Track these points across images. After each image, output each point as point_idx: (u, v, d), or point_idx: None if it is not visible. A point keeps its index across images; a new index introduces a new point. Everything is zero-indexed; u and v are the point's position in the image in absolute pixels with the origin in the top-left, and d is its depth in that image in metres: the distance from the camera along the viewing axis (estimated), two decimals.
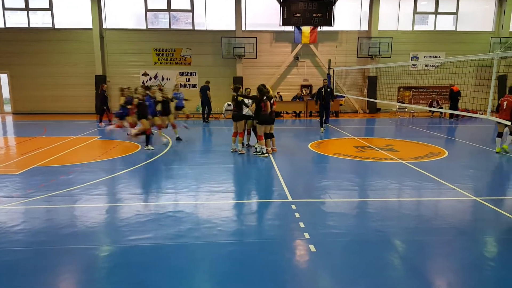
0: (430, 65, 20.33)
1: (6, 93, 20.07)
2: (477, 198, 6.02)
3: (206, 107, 16.88)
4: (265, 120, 9.02)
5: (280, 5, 19.19)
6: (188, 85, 20.20)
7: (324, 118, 13.41)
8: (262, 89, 8.95)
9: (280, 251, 4.25)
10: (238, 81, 19.23)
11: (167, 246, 4.37)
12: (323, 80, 13.64)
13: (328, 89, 13.01)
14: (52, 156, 9.24)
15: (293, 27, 19.61)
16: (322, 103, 13.03)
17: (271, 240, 4.54)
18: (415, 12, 20.34)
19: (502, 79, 18.97)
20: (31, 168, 8.00)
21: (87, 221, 5.12)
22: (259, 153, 9.24)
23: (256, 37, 19.33)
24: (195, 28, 19.82)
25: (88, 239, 4.57)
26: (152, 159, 8.96)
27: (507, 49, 19.50)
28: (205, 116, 16.91)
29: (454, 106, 16.94)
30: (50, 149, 10.11)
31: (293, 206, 5.64)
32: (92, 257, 4.16)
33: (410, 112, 19.51)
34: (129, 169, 7.93)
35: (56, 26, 19.36)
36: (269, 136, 9.54)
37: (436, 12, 20.41)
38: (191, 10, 19.62)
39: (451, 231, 4.81)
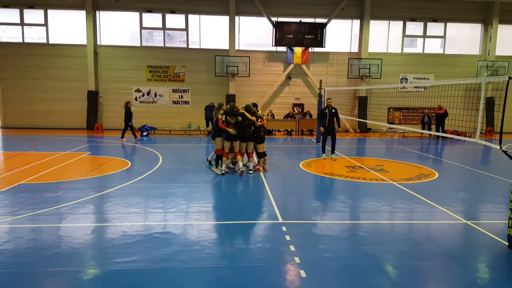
0: (419, 87, 20.72)
1: None
2: (468, 222, 6.01)
3: (210, 123, 17.16)
4: (238, 137, 9.11)
5: (273, 26, 19.55)
6: (180, 102, 20.23)
7: (326, 143, 11.71)
8: (248, 107, 9.30)
9: (270, 276, 4.15)
10: (231, 98, 19.31)
11: (153, 270, 4.24)
12: (327, 99, 11.73)
13: (333, 110, 11.30)
14: (39, 172, 9.07)
15: (286, 47, 19.93)
16: (326, 126, 11.34)
17: (261, 264, 4.45)
18: (404, 35, 20.88)
19: (489, 102, 19.37)
20: (17, 185, 7.82)
21: (72, 242, 4.97)
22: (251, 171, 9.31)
23: (249, 57, 19.57)
24: (189, 47, 20.02)
25: (71, 261, 4.42)
26: (142, 176, 8.84)
27: (493, 72, 20.04)
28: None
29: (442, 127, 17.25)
30: (38, 165, 9.93)
31: (284, 228, 5.56)
32: (75, 280, 4.01)
33: (400, 132, 19.73)
34: (117, 187, 7.79)
35: (50, 42, 19.37)
36: (262, 155, 9.58)
37: (425, 36, 20.98)
38: (186, 29, 19.86)
39: (442, 255, 4.77)
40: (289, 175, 9.51)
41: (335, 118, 11.28)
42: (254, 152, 9.76)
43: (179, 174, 9.29)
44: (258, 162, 9.76)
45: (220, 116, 9.16)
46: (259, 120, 9.33)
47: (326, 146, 11.77)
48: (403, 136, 19.38)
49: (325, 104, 11.82)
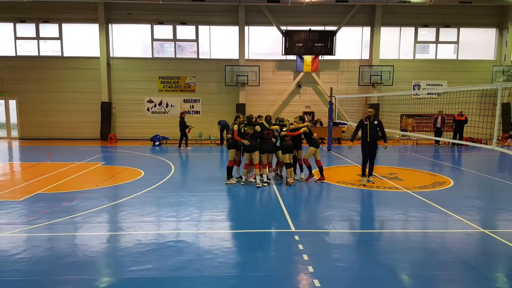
0: (433, 93, 20.48)
1: (13, 119, 20.37)
2: (485, 231, 5.89)
3: (226, 130, 17.45)
4: (256, 148, 8.86)
5: (283, 35, 19.67)
6: (191, 112, 20.42)
7: (367, 165, 9.33)
8: (267, 117, 9.28)
9: (284, 286, 4.14)
10: (241, 108, 19.43)
11: (167, 278, 4.27)
12: (368, 107, 9.34)
13: (375, 122, 8.99)
14: (56, 182, 9.24)
15: (295, 56, 20.01)
16: (366, 141, 9.01)
17: (274, 273, 4.43)
18: (416, 41, 20.73)
19: (505, 108, 19.05)
20: (34, 195, 7.99)
21: (88, 250, 5.05)
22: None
23: (258, 66, 19.70)
24: (200, 57, 20.27)
25: (87, 270, 4.49)
26: (155, 186, 8.93)
27: (509, 77, 19.68)
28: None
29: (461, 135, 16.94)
30: (54, 175, 10.13)
31: (296, 237, 5.54)
32: None
33: (414, 139, 19.49)
34: (131, 196, 7.89)
35: (65, 55, 19.86)
36: (287, 166, 9.18)
37: (437, 42, 20.79)
38: (196, 40, 20.13)
39: (459, 265, 4.68)
40: (300, 183, 9.46)
41: (379, 132, 9.06)
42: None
43: (191, 183, 9.35)
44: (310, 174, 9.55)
45: (235, 128, 8.98)
46: (284, 129, 9.01)
47: (365, 169, 9.41)
48: (417, 143, 19.14)
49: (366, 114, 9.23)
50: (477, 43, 21.08)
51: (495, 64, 20.49)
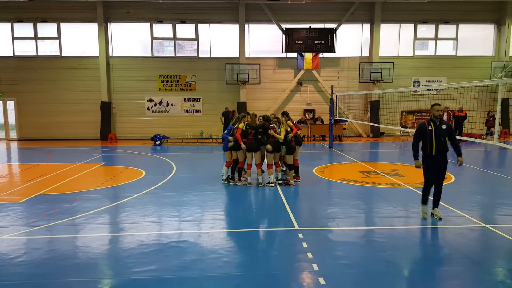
0: (432, 90, 20.45)
1: (12, 119, 20.31)
2: (487, 226, 5.88)
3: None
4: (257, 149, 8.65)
5: (283, 33, 19.62)
6: (192, 111, 20.39)
7: (433, 187, 6.31)
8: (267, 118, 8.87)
9: (289, 284, 4.12)
10: (242, 106, 19.40)
11: (171, 279, 4.25)
12: (433, 106, 6.12)
13: (444, 126, 6.12)
14: (56, 183, 9.21)
15: (296, 53, 19.97)
16: (431, 156, 6.17)
17: (279, 272, 4.41)
18: (416, 38, 20.69)
19: (504, 103, 19.03)
20: (34, 196, 7.95)
21: (90, 252, 5.02)
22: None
23: (259, 64, 19.66)
24: (200, 56, 20.21)
25: (90, 272, 4.46)
26: (156, 186, 8.90)
27: (507, 73, 19.66)
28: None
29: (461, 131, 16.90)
30: (54, 176, 10.09)
31: (300, 235, 5.52)
32: None
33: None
34: (132, 197, 7.86)
35: (63, 54, 19.80)
36: (291, 167, 8.94)
37: (436, 38, 20.75)
38: (196, 39, 20.07)
39: (463, 261, 4.66)
40: (303, 181, 9.43)
41: (447, 140, 6.18)
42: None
43: (193, 182, 9.32)
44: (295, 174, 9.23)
45: (241, 126, 8.58)
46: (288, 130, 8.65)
47: (428, 195, 6.35)
48: None
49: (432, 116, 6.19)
50: (475, 39, 21.05)
51: (494, 60, 20.46)
